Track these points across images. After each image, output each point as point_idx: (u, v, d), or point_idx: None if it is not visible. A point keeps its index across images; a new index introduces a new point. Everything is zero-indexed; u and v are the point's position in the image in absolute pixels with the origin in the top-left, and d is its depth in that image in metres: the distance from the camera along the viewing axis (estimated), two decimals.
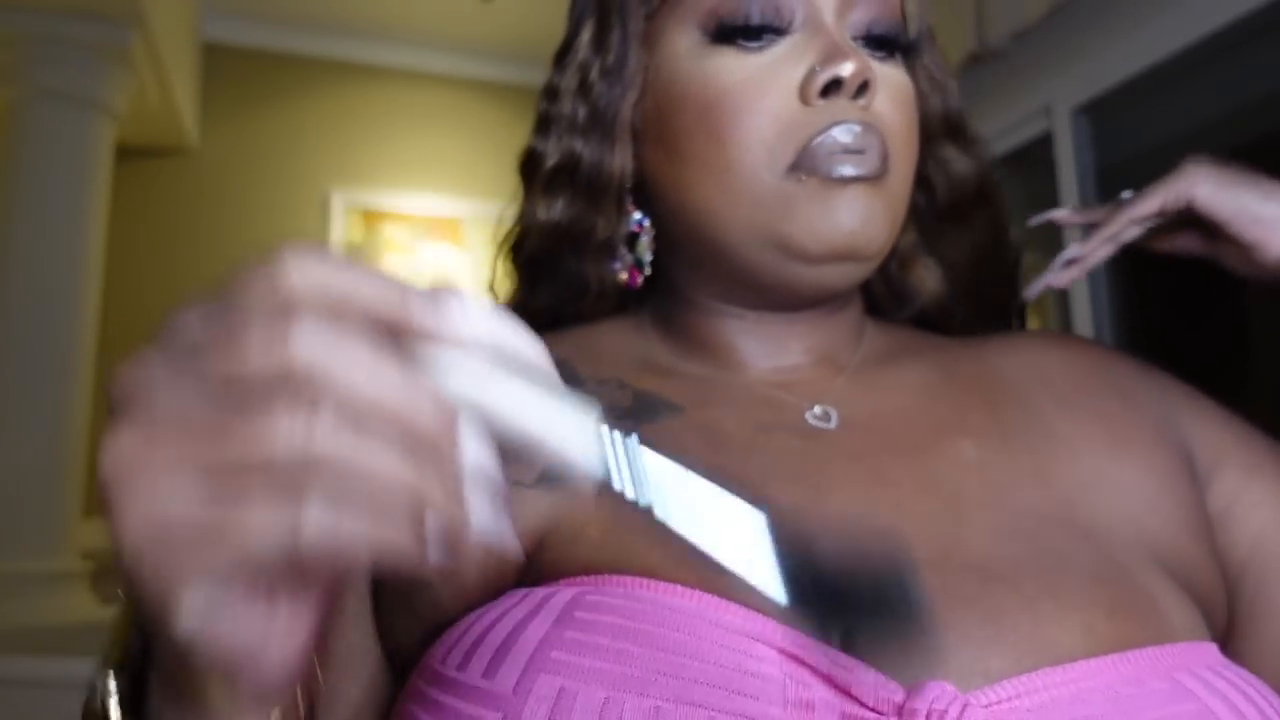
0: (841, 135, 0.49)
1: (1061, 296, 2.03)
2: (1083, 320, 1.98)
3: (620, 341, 0.57)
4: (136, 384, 0.27)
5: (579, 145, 0.56)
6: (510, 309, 0.60)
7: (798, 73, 0.50)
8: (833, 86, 0.49)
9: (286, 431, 0.23)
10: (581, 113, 0.57)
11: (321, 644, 0.30)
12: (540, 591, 0.42)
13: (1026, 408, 0.53)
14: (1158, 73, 1.84)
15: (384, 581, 0.47)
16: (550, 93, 0.59)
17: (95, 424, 2.51)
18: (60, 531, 2.34)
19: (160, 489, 0.25)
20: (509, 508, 0.28)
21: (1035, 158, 2.11)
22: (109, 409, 0.26)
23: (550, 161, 0.57)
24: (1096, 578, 0.43)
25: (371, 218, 3.40)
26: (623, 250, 0.57)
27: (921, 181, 0.58)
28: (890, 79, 0.52)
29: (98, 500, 0.27)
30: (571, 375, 0.53)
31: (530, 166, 0.59)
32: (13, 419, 2.29)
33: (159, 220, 3.20)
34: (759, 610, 0.39)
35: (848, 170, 0.49)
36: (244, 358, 0.24)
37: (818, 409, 0.52)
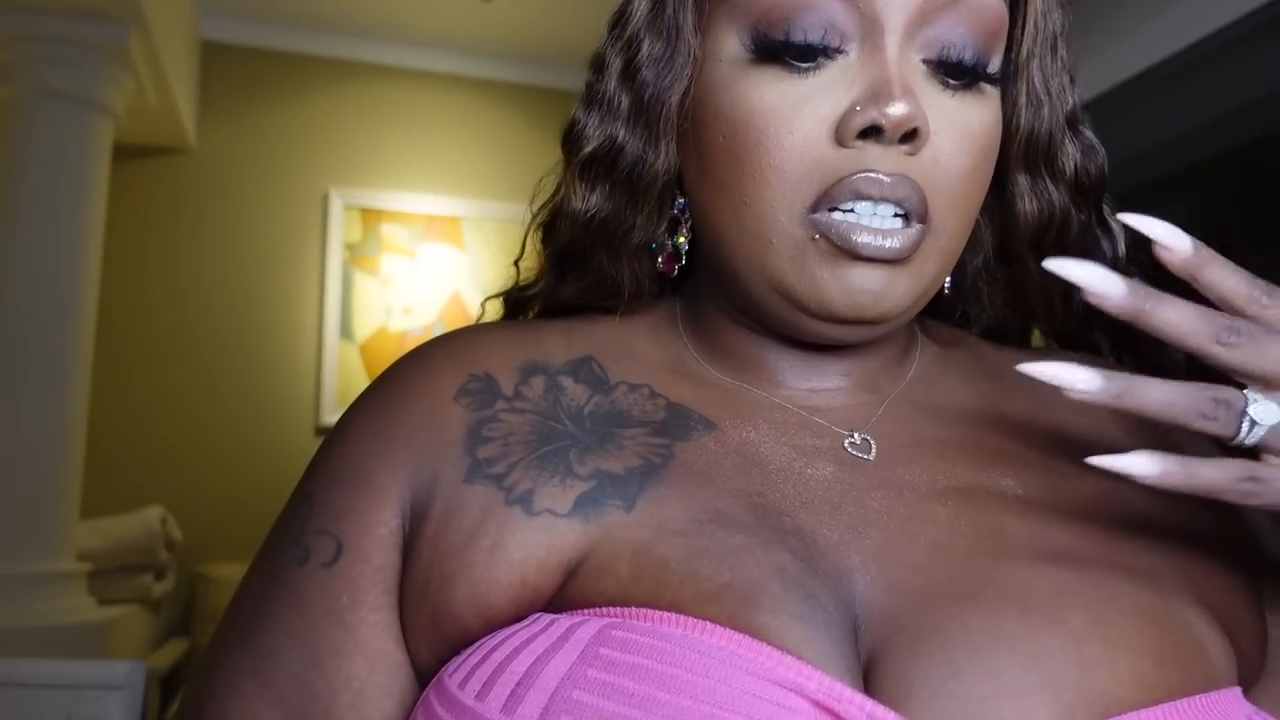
0: (865, 183, 0.44)
1: None
2: None
3: (650, 340, 0.54)
4: None
5: (621, 134, 0.51)
6: (534, 297, 0.57)
7: (838, 106, 0.45)
8: (875, 131, 0.44)
9: None
10: (625, 100, 0.51)
11: None
12: (565, 620, 0.41)
13: (1069, 444, 0.50)
14: (1158, 73, 1.84)
15: (416, 603, 0.45)
16: (597, 64, 0.53)
17: (92, 424, 2.50)
18: (59, 532, 2.34)
19: None
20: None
21: None
22: None
23: (589, 146, 0.52)
24: (1145, 615, 0.40)
25: (370, 217, 3.39)
26: (664, 237, 0.53)
27: (1003, 205, 0.54)
28: (956, 117, 0.46)
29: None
30: (600, 379, 0.51)
31: (571, 142, 0.54)
32: (12, 418, 2.28)
33: (158, 220, 3.19)
34: (792, 652, 0.38)
35: (864, 243, 0.44)
36: None
37: (857, 437, 0.49)
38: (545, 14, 3.22)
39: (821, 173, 0.45)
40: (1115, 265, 0.55)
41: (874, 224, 0.44)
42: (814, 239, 0.45)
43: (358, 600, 0.45)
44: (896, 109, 0.43)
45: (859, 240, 0.44)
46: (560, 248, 0.55)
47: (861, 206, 0.44)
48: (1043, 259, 0.53)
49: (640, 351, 0.53)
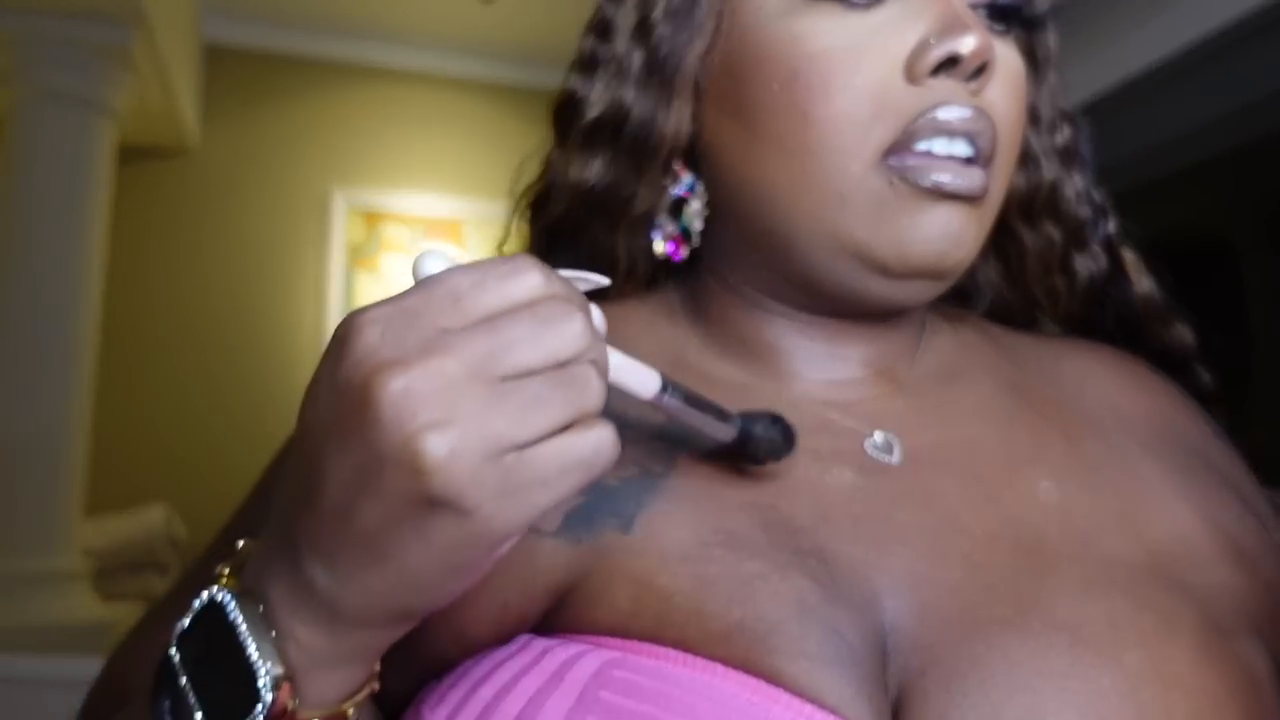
0: (947, 115, 0.41)
1: None
2: None
3: (646, 331, 0.49)
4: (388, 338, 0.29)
5: (629, 97, 0.47)
6: None
7: (905, 42, 0.42)
8: (947, 64, 0.41)
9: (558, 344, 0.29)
10: (637, 58, 0.47)
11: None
12: (559, 652, 0.37)
13: (1108, 444, 0.47)
14: (1158, 73, 1.84)
15: None
16: (601, 27, 0.50)
17: (96, 424, 2.51)
18: (60, 531, 2.34)
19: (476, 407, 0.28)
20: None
21: None
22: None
23: (592, 112, 0.48)
24: (1202, 650, 0.37)
25: (372, 218, 3.40)
26: (664, 218, 0.49)
27: None
28: (1006, 61, 0.44)
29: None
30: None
31: (567, 113, 0.50)
32: (15, 417, 2.29)
33: (160, 221, 3.20)
34: (813, 698, 0.35)
35: (946, 181, 0.41)
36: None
37: (878, 437, 0.45)
38: (546, 16, 3.22)
39: (895, 113, 0.41)
40: (1109, 240, 0.54)
41: (952, 162, 0.42)
42: (891, 184, 0.41)
43: None
44: (973, 39, 0.40)
45: (941, 178, 0.41)
46: (553, 221, 0.51)
47: (938, 144, 0.41)
48: (1035, 228, 0.52)
49: (635, 343, 0.47)
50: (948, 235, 0.42)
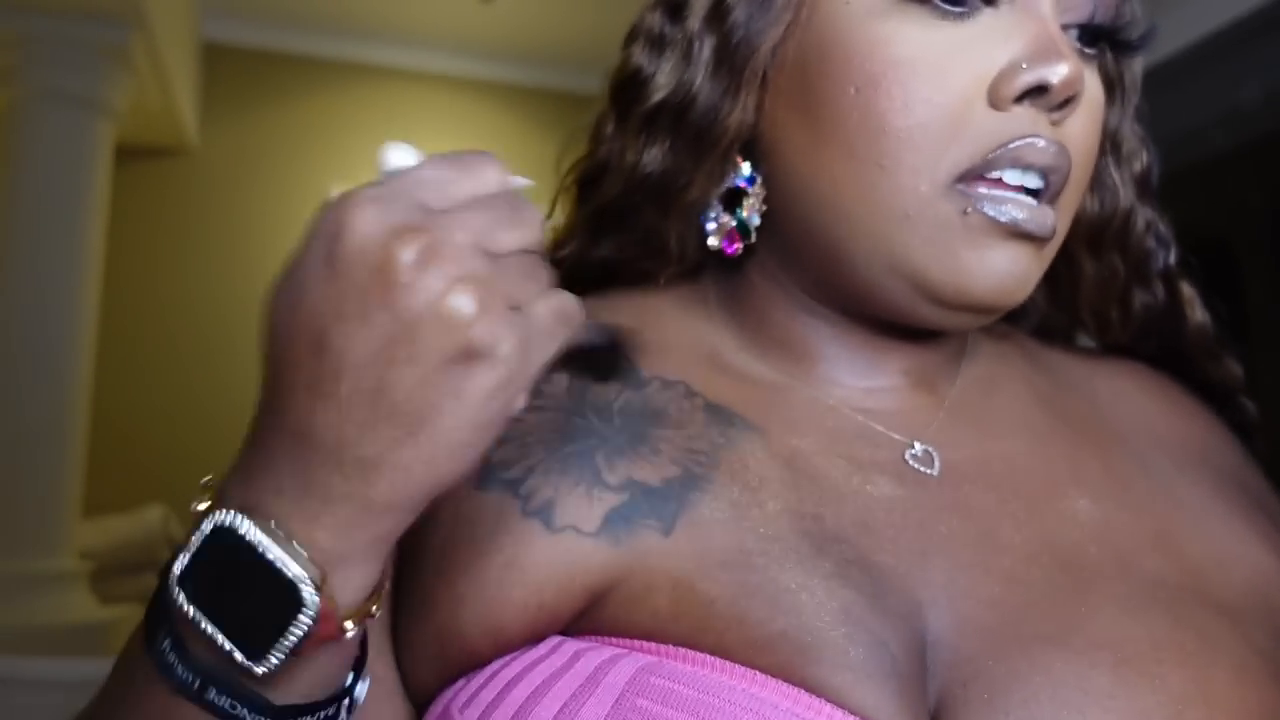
0: (1030, 153, 0.39)
1: None
2: None
3: (681, 325, 0.48)
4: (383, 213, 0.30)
5: (697, 82, 0.45)
6: (564, 259, 0.51)
7: (995, 61, 0.39)
8: (1035, 91, 0.39)
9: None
10: (708, 44, 0.45)
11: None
12: (593, 655, 0.37)
13: (1144, 464, 0.46)
14: (1158, 73, 1.84)
15: (415, 620, 0.41)
16: (672, 6, 0.47)
17: (95, 423, 2.50)
18: (61, 531, 2.34)
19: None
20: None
21: None
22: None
23: (658, 95, 0.46)
24: (1243, 670, 0.37)
25: None
26: (718, 210, 0.47)
27: None
28: (1091, 90, 0.42)
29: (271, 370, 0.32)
30: (632, 373, 0.45)
31: (630, 91, 0.47)
32: (13, 418, 2.29)
33: (159, 220, 3.20)
34: (855, 711, 0.34)
35: (1020, 219, 0.39)
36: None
37: (918, 448, 0.44)
38: (545, 16, 3.22)
39: (973, 136, 0.39)
40: (1165, 274, 0.51)
41: (1024, 198, 0.40)
42: (965, 213, 0.39)
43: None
44: (1066, 68, 0.38)
45: (1019, 215, 0.39)
46: (605, 203, 0.49)
47: (1010, 173, 0.39)
48: (1100, 259, 0.49)
49: (671, 339, 0.47)
50: (1013, 275, 0.40)
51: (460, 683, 0.39)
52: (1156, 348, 0.53)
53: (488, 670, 0.38)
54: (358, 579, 0.32)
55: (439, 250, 0.29)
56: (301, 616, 0.30)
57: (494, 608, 0.39)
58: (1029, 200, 0.40)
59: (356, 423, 0.30)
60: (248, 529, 0.31)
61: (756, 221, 0.46)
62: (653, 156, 0.46)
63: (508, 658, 0.38)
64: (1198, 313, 0.52)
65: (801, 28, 0.43)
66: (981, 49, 0.40)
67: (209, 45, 3.31)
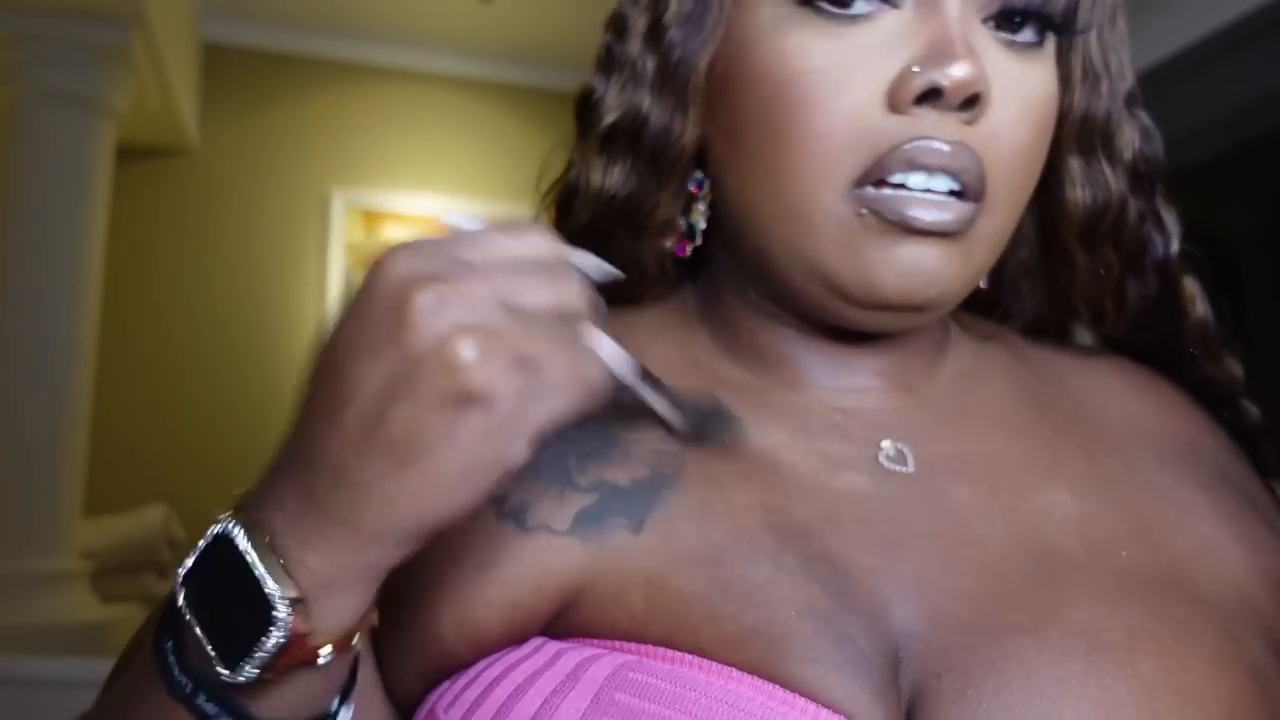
0: (924, 154, 0.39)
1: None
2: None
3: (661, 334, 0.49)
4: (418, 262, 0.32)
5: (645, 103, 0.46)
6: None
7: (892, 66, 0.40)
8: (934, 95, 0.39)
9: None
10: (650, 63, 0.46)
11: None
12: (573, 654, 0.37)
13: (1129, 458, 0.46)
14: (1158, 73, 1.84)
15: (395, 625, 0.42)
16: (618, 24, 0.48)
17: (95, 424, 2.50)
18: (61, 531, 2.34)
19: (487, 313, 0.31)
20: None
21: None
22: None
23: (609, 117, 0.47)
24: (1218, 660, 0.37)
25: (372, 218, 3.39)
26: (677, 217, 0.48)
27: (1049, 192, 0.47)
28: (1019, 84, 0.41)
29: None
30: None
31: (587, 112, 0.48)
32: (14, 418, 2.29)
33: (159, 220, 3.20)
34: (827, 703, 0.35)
35: (919, 216, 0.39)
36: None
37: (891, 446, 0.44)
38: (545, 16, 3.22)
39: (872, 142, 0.40)
40: (1167, 264, 0.50)
41: (928, 196, 0.40)
42: (860, 215, 0.40)
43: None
44: (959, 70, 0.38)
45: (912, 213, 0.39)
46: (579, 229, 0.49)
47: (915, 178, 0.40)
48: (1093, 253, 0.48)
49: (650, 347, 0.47)
50: (917, 272, 0.40)
51: (445, 684, 0.40)
52: (1153, 342, 0.52)
53: (472, 671, 0.39)
54: (341, 606, 0.33)
55: (453, 298, 0.30)
56: (274, 631, 0.31)
57: (470, 609, 0.39)
58: (936, 198, 0.40)
59: (355, 450, 0.31)
60: (241, 540, 0.32)
61: (702, 224, 0.47)
62: (615, 179, 0.47)
63: (492, 658, 0.39)
64: (1199, 308, 0.51)
65: (728, 41, 0.44)
66: (879, 55, 0.40)
67: (209, 45, 3.31)
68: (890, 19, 0.40)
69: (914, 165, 0.39)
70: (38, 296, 2.34)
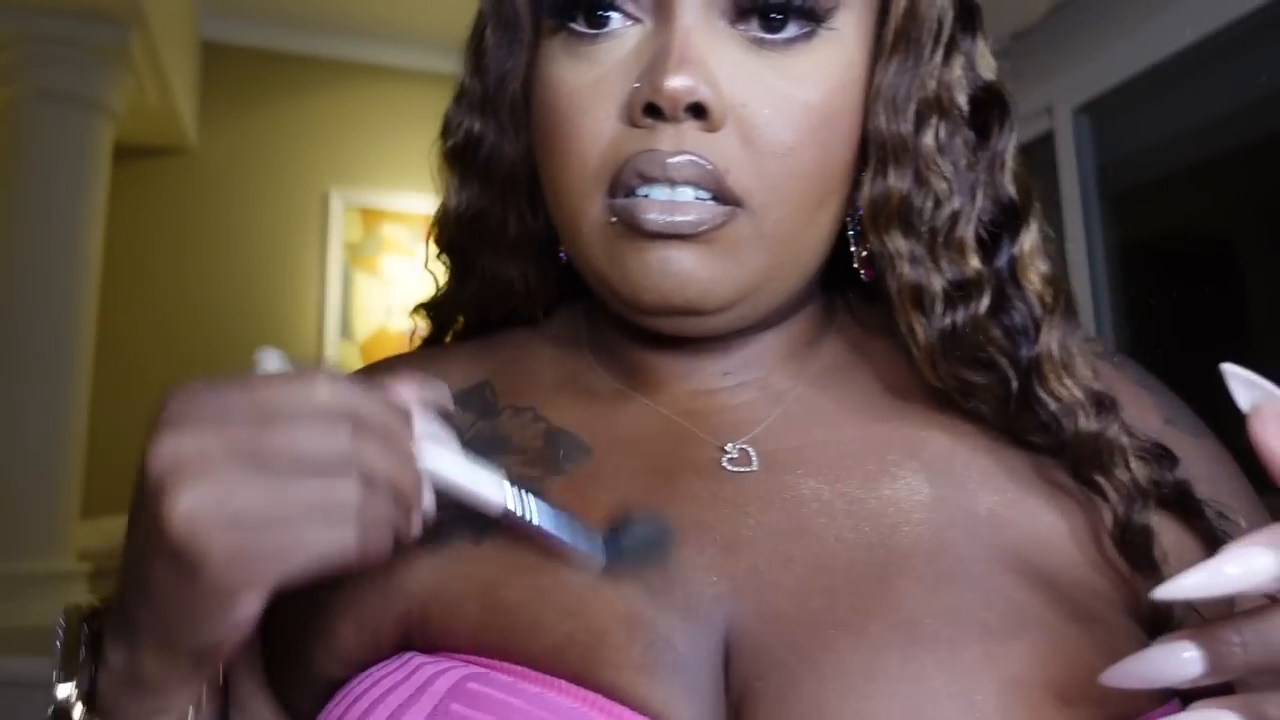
0: (647, 165, 0.40)
1: None
2: (1083, 320, 1.98)
3: (556, 351, 0.50)
4: (184, 416, 0.33)
5: (478, 125, 0.48)
6: (442, 305, 0.54)
7: (626, 83, 0.41)
8: (653, 109, 0.40)
9: (324, 439, 0.32)
10: (478, 89, 0.48)
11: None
12: (430, 666, 0.38)
13: (995, 441, 0.44)
14: (1158, 73, 1.84)
15: (272, 655, 0.45)
16: (465, 55, 0.50)
17: (93, 425, 2.50)
18: (60, 531, 2.34)
19: (226, 477, 0.31)
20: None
21: (1036, 157, 2.11)
22: (155, 424, 0.34)
23: (451, 139, 0.49)
24: (1051, 641, 0.36)
25: (370, 217, 3.39)
26: (530, 233, 0.50)
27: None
28: (775, 85, 0.41)
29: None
30: (488, 405, 0.48)
31: (441, 134, 0.51)
32: (12, 419, 2.28)
33: (158, 220, 3.19)
34: (636, 706, 0.35)
35: (652, 219, 0.40)
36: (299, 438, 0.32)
37: (734, 449, 0.44)
38: None
39: (614, 155, 0.41)
40: (995, 272, 0.44)
41: (665, 200, 0.40)
42: (612, 223, 0.42)
43: (240, 673, 0.45)
44: (672, 82, 0.39)
45: (645, 216, 0.40)
46: (444, 248, 0.52)
47: (657, 190, 0.40)
48: (883, 242, 0.43)
49: (540, 368, 0.49)
50: (667, 274, 0.41)
51: (329, 704, 0.41)
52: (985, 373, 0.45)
53: (346, 687, 0.40)
54: (142, 707, 0.36)
55: (178, 451, 0.31)
56: (49, 711, 0.37)
57: (327, 626, 0.41)
58: (671, 201, 0.40)
59: (130, 589, 0.35)
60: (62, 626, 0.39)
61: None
62: (464, 199, 0.49)
63: (363, 674, 0.40)
64: (1055, 329, 0.45)
65: (530, 68, 0.46)
66: (618, 74, 0.42)
67: (208, 45, 3.31)
68: (634, 34, 0.42)
69: (644, 177, 0.40)
70: (36, 295, 2.34)
